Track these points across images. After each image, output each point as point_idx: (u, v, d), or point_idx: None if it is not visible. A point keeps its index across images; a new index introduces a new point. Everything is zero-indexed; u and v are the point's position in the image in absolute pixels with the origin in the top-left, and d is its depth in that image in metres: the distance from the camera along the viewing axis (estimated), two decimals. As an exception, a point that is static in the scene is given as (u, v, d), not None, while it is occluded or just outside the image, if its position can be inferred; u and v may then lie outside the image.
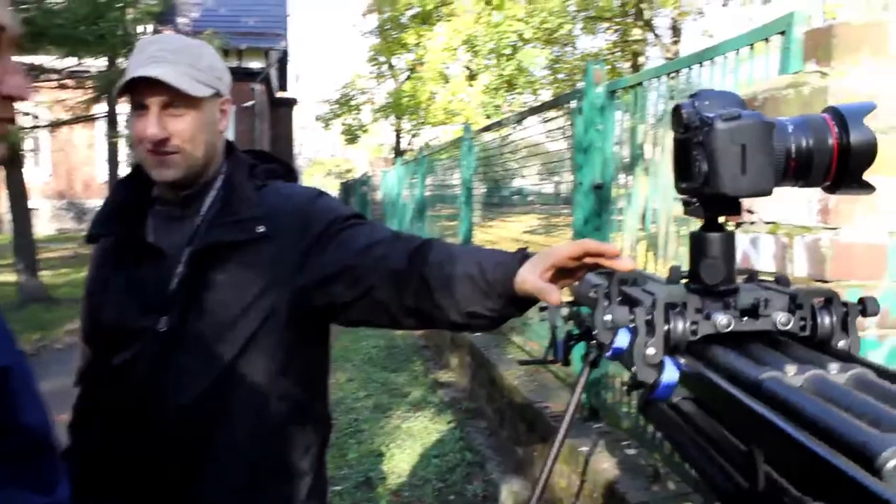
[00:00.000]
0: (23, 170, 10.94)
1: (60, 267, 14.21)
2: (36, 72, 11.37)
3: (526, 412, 4.42)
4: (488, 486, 4.36)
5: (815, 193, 1.70)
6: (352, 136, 29.48)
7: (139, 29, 12.53)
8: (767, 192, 0.72)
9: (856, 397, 0.59)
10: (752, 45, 2.47)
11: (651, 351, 0.73)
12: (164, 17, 18.05)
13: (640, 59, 20.92)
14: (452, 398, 6.17)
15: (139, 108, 1.43)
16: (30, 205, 11.19)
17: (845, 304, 0.72)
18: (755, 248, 1.89)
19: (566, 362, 1.18)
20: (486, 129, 7.52)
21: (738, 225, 1.97)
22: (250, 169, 1.57)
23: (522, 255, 1.23)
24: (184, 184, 1.49)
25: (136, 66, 1.41)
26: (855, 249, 1.71)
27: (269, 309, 1.45)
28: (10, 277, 11.05)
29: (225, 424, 1.44)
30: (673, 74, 3.15)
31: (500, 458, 4.73)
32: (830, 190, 0.75)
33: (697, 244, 0.79)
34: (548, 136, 5.60)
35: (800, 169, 0.73)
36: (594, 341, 0.97)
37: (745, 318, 0.72)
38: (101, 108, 13.85)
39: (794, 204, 1.80)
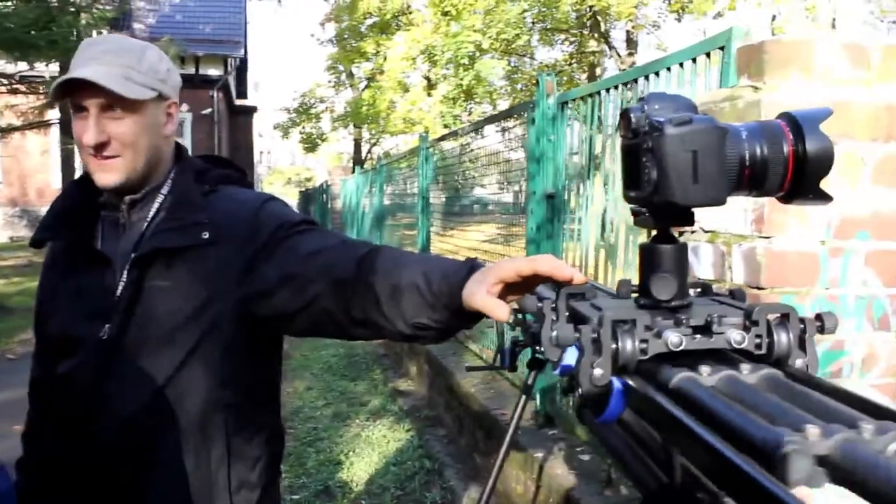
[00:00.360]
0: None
1: (13, 275, 13.92)
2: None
3: (483, 420, 4.47)
4: (447, 494, 4.39)
5: (750, 203, 1.79)
6: (311, 144, 29.38)
7: (94, 34, 12.39)
8: (721, 202, 0.68)
9: (762, 396, 0.64)
10: (694, 59, 2.56)
11: (598, 371, 0.68)
12: (119, 23, 17.87)
13: (598, 71, 21.18)
14: (412, 406, 6.20)
15: (79, 110, 1.40)
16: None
17: (802, 321, 0.69)
18: (696, 257, 1.97)
19: (513, 368, 1.19)
20: (442, 138, 7.59)
21: (681, 234, 2.04)
22: (200, 173, 1.53)
23: (470, 267, 1.17)
24: (127, 189, 1.45)
25: (74, 67, 1.38)
26: (788, 258, 1.79)
27: (215, 317, 1.41)
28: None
29: (168, 434, 1.42)
30: (623, 85, 3.24)
31: (458, 466, 4.77)
32: (785, 200, 0.71)
33: (648, 257, 0.74)
34: (506, 145, 5.67)
35: (754, 177, 0.70)
36: (540, 348, 0.93)
37: (698, 336, 0.68)
38: (54, 114, 13.67)
39: (731, 213, 1.88)
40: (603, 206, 3.33)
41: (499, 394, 4.64)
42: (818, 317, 0.68)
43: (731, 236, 1.88)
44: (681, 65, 2.63)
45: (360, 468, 4.79)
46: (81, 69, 1.36)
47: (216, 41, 21.82)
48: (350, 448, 5.14)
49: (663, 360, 0.67)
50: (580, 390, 0.70)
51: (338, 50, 26.43)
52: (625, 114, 0.72)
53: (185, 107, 21.02)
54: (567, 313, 0.78)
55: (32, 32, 10.10)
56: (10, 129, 13.26)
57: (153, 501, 1.42)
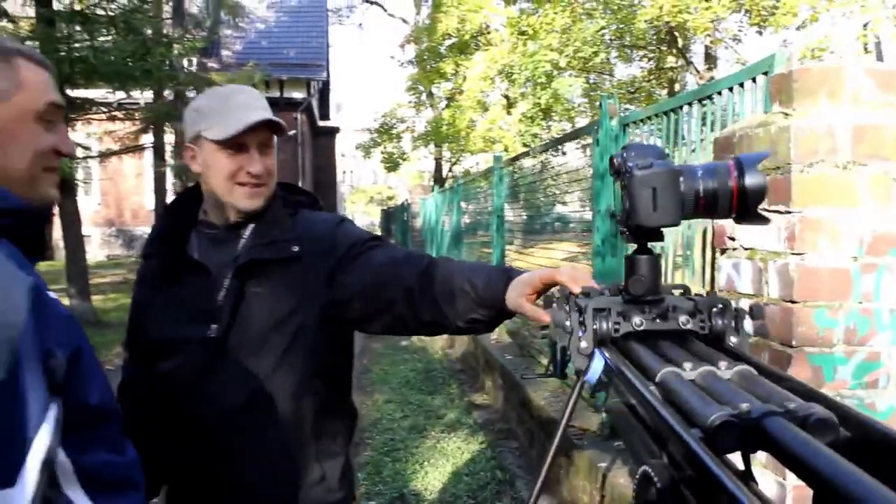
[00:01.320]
0: (76, 198, 11.36)
1: (110, 292, 14.60)
2: (88, 105, 11.88)
3: (552, 432, 4.57)
4: (516, 503, 4.52)
5: (783, 222, 1.88)
6: (392, 163, 29.80)
7: (185, 63, 13.01)
8: (676, 224, 0.94)
9: (726, 385, 0.78)
10: (742, 84, 2.65)
11: (584, 344, 0.97)
12: (208, 51, 18.64)
13: (677, 87, 20.92)
14: (486, 419, 6.33)
15: (237, 148, 1.63)
16: (82, 232, 11.60)
17: (737, 310, 0.95)
18: (737, 272, 2.06)
19: (563, 375, 1.35)
20: (514, 159, 7.75)
21: (724, 251, 2.14)
22: (280, 199, 1.78)
23: (508, 277, 1.43)
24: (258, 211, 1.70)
25: (240, 113, 1.61)
26: (820, 273, 1.87)
27: (302, 320, 1.64)
28: (63, 301, 11.35)
29: (269, 420, 1.63)
30: (679, 109, 3.33)
31: (529, 477, 4.88)
32: (738, 221, 0.95)
33: (629, 264, 0.99)
34: (588, 163, 5.77)
35: (707, 205, 0.93)
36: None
37: (658, 321, 0.95)
38: (148, 138, 14.39)
39: (768, 231, 1.96)
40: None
41: (568, 407, 4.73)
42: (751, 307, 0.96)
43: (767, 253, 1.96)
44: (730, 89, 2.72)
45: (434, 478, 4.95)
46: (257, 112, 1.62)
47: (299, 65, 22.51)
48: (425, 458, 5.31)
49: (632, 338, 0.94)
50: (571, 357, 1.00)
51: (418, 71, 26.73)
52: (611, 159, 0.99)
53: (270, 129, 21.68)
54: (577, 308, 1.03)
55: (129, 63, 10.66)
56: (109, 154, 13.99)
57: (255, 475, 1.64)
